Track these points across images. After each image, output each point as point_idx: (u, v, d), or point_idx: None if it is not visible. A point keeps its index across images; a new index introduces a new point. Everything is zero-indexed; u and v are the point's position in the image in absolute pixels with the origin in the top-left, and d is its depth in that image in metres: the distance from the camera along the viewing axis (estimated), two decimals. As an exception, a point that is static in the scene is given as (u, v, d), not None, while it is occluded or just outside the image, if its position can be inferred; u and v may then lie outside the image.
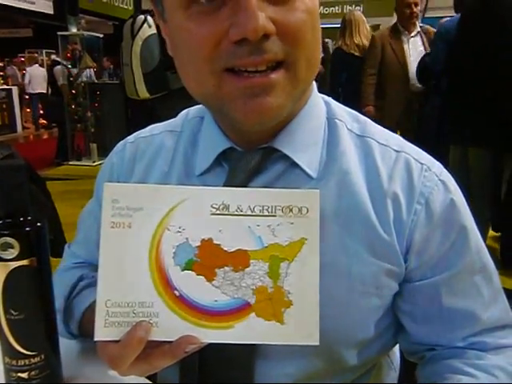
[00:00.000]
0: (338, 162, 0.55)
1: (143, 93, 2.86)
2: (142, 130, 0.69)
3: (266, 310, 0.44)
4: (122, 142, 0.69)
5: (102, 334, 0.44)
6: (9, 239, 0.48)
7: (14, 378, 0.51)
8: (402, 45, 3.15)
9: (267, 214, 0.45)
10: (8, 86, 9.39)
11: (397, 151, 0.57)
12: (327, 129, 0.58)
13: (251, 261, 0.45)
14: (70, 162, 6.00)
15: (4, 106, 8.15)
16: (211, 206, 0.45)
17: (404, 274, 0.55)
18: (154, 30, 2.81)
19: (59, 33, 6.04)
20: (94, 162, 5.94)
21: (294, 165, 0.55)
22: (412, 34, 3.19)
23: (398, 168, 0.55)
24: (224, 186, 0.54)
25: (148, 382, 0.56)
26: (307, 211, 0.45)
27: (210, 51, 0.47)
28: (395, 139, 0.59)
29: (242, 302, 0.44)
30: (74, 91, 5.95)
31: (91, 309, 0.58)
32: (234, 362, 0.54)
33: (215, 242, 0.45)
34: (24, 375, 0.51)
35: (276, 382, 0.55)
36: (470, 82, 2.15)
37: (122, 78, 3.09)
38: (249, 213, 0.45)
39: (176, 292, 0.44)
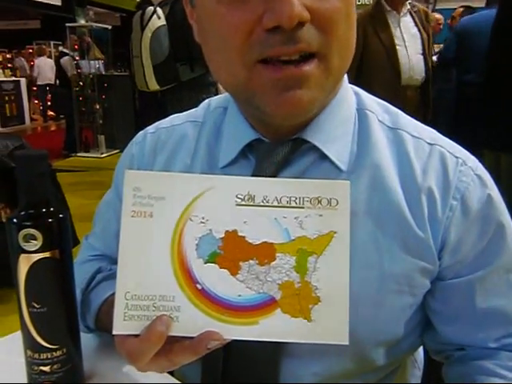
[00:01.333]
0: (369, 155, 0.54)
1: (153, 85, 2.83)
2: (163, 121, 0.67)
3: (293, 306, 0.43)
4: (141, 132, 0.68)
5: (120, 327, 0.43)
6: (32, 231, 0.47)
7: (35, 371, 0.50)
8: (389, 29, 2.44)
9: (295, 205, 0.44)
10: (16, 77, 9.40)
11: (430, 144, 0.55)
12: (357, 120, 0.56)
13: (277, 254, 0.43)
14: (78, 154, 6.01)
15: (12, 97, 8.15)
16: (236, 197, 0.44)
17: (437, 272, 0.53)
18: (163, 22, 2.78)
19: (67, 24, 6.04)
20: (101, 153, 5.95)
21: (324, 157, 0.53)
22: (401, 14, 2.49)
23: (432, 162, 0.53)
24: None
25: (173, 379, 0.55)
26: (337, 203, 0.44)
27: (243, 41, 0.45)
28: (428, 131, 0.57)
29: (267, 297, 0.43)
30: (81, 83, 5.95)
31: (108, 302, 0.57)
32: (259, 359, 0.53)
33: (240, 233, 0.43)
34: (46, 369, 0.50)
35: (302, 381, 0.53)
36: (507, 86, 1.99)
37: (132, 70, 3.07)
38: (275, 204, 0.44)
39: (198, 285, 0.43)
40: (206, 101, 0.67)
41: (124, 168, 0.66)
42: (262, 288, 0.43)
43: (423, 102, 2.58)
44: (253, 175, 0.53)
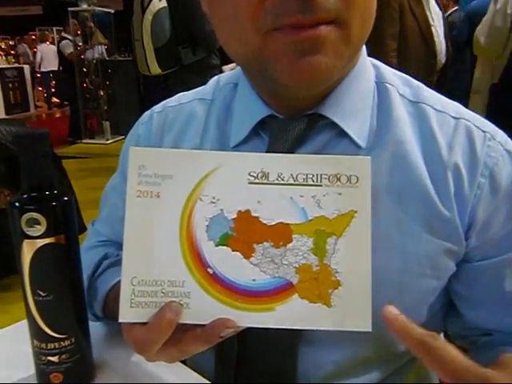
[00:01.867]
0: (390, 131, 0.50)
1: (155, 69, 2.79)
2: (170, 99, 0.64)
3: (311, 291, 0.40)
4: (147, 111, 0.65)
5: (127, 315, 0.40)
6: (35, 215, 0.44)
7: (43, 361, 0.48)
8: (421, 5, 2.19)
9: (312, 183, 0.40)
10: (19, 64, 9.35)
11: (456, 118, 0.51)
12: (377, 94, 0.52)
13: (294, 236, 0.40)
14: (84, 141, 6.00)
15: (16, 84, 8.11)
16: (249, 174, 0.41)
17: (463, 254, 0.50)
18: (164, 4, 2.73)
19: (70, 8, 5.95)
20: (107, 140, 5.92)
21: (342, 133, 0.50)
22: None
23: (458, 137, 0.50)
24: None
25: (185, 368, 0.53)
26: (357, 180, 0.40)
27: (255, 7, 0.42)
28: (452, 105, 0.53)
29: (283, 281, 0.40)
30: (85, 69, 5.90)
31: (116, 289, 0.55)
32: (276, 347, 0.50)
33: (253, 214, 0.40)
34: (54, 359, 0.48)
35: (321, 369, 0.51)
36: None
37: (134, 54, 3.03)
38: (291, 182, 0.40)
39: (209, 270, 0.40)
40: (215, 77, 0.64)
41: None
42: (277, 272, 0.40)
43: (441, 84, 2.41)
44: None
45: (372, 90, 0.52)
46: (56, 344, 0.48)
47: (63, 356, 0.48)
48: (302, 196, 0.40)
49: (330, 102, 0.50)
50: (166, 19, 2.69)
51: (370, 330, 0.39)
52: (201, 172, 0.41)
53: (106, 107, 5.99)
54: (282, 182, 0.40)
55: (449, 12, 3.28)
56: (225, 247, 0.40)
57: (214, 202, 0.40)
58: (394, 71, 0.56)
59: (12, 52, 10.88)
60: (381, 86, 0.53)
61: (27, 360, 0.50)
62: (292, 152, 0.50)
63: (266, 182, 0.40)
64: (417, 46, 2.21)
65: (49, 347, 0.48)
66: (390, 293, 0.48)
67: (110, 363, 0.55)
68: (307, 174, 0.40)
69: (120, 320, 0.40)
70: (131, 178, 0.40)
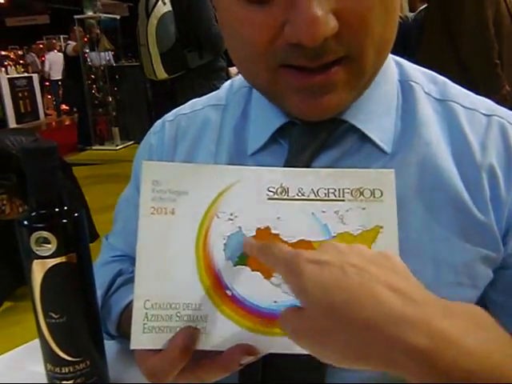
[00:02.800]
0: (416, 132, 0.47)
1: (161, 73, 2.78)
2: (182, 106, 0.61)
3: None
4: (159, 120, 0.62)
5: (139, 341, 0.37)
6: (45, 233, 0.42)
7: (57, 386, 0.46)
8: None
9: (334, 198, 0.38)
10: (28, 73, 9.43)
11: (487, 115, 0.48)
12: (401, 94, 0.49)
13: None
14: (93, 147, 6.02)
15: (26, 93, 8.17)
16: (268, 190, 0.38)
17: (501, 260, 0.47)
18: (169, 8, 2.71)
19: (76, 16, 5.98)
20: (116, 145, 5.94)
21: (365, 138, 0.47)
22: None
23: (491, 135, 0.47)
24: (285, 166, 0.47)
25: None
26: (381, 194, 0.38)
27: (265, 47, 0.40)
28: (482, 101, 0.50)
29: None
30: (93, 76, 5.92)
31: (129, 309, 0.52)
32: (303, 362, 0.47)
33: (273, 231, 0.38)
34: (69, 383, 0.46)
35: None
36: None
37: (140, 59, 3.02)
38: (312, 197, 0.38)
39: (228, 291, 0.38)
40: (229, 81, 0.61)
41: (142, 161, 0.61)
42: None
43: None
44: (286, 162, 0.47)
45: (395, 90, 0.50)
46: (70, 368, 0.45)
47: (78, 380, 0.46)
48: (324, 212, 0.38)
49: (351, 107, 0.47)
50: (171, 23, 2.67)
51: None
52: (218, 187, 0.39)
53: (114, 113, 6.01)
54: (303, 197, 0.38)
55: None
56: (244, 267, 0.38)
57: (231, 219, 0.38)
58: (419, 68, 0.53)
59: (21, 61, 10.98)
60: (405, 84, 0.50)
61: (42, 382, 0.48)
62: (314, 159, 0.47)
63: (285, 197, 0.38)
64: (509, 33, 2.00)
65: (63, 371, 0.45)
66: None
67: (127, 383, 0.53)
68: (328, 189, 0.38)
69: (132, 347, 0.38)
70: (144, 193, 0.38)
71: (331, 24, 0.36)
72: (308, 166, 0.47)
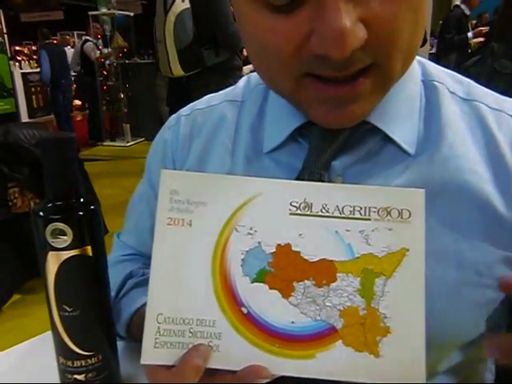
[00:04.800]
0: (440, 133, 0.46)
1: (177, 70, 2.78)
2: (198, 101, 0.61)
3: (357, 338, 0.35)
4: (174, 115, 0.62)
5: (150, 356, 0.36)
6: (61, 225, 0.41)
7: (69, 379, 0.46)
8: None
9: (359, 216, 0.36)
10: (42, 68, 9.49)
11: None
12: (424, 94, 0.48)
13: (338, 274, 0.36)
14: (104, 143, 6.04)
15: (39, 88, 8.24)
16: (290, 204, 0.37)
17: None
18: (187, 5, 2.71)
19: (90, 12, 6.01)
20: (127, 142, 5.96)
21: (387, 139, 0.46)
22: None
23: None
24: (303, 166, 0.46)
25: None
26: (409, 215, 0.36)
27: (290, 57, 0.38)
28: (508, 102, 0.49)
29: (325, 325, 0.36)
30: (105, 72, 5.95)
31: (139, 314, 0.52)
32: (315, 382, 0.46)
33: (294, 248, 0.36)
34: (81, 377, 0.45)
35: None
36: None
37: (156, 56, 3.02)
38: (337, 214, 0.36)
39: (244, 309, 0.36)
40: (245, 77, 0.60)
41: (157, 156, 0.60)
42: (319, 314, 0.36)
43: None
44: (305, 161, 0.47)
45: (419, 91, 0.49)
46: (82, 362, 0.45)
47: (90, 374, 0.45)
48: (348, 230, 0.36)
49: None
50: (189, 20, 2.67)
51: (425, 381, 0.35)
52: (238, 200, 0.37)
53: (126, 110, 6.03)
54: (327, 214, 0.37)
55: None
56: (261, 284, 0.36)
57: (251, 234, 0.37)
58: (442, 68, 0.52)
59: (34, 57, 11.06)
60: (428, 84, 0.49)
61: (53, 375, 0.47)
62: (334, 160, 0.46)
63: (308, 213, 0.37)
64: None
65: (75, 365, 0.45)
66: (443, 305, 0.44)
67: (139, 380, 0.52)
68: (354, 207, 0.37)
69: (142, 362, 0.36)
70: (161, 203, 0.37)
71: (360, 35, 0.35)
72: (328, 166, 0.46)
